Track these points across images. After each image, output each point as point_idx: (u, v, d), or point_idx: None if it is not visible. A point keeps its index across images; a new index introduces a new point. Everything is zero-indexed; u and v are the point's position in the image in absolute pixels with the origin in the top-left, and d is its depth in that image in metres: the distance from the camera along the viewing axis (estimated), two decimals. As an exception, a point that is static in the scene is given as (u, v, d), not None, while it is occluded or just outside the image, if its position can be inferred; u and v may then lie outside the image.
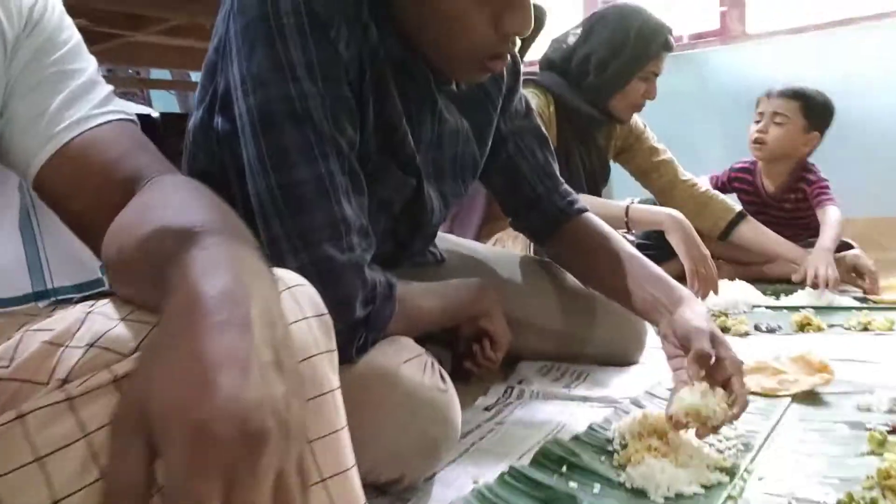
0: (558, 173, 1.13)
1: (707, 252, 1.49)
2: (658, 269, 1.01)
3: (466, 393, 1.11)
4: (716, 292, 1.49)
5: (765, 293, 1.69)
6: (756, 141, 1.93)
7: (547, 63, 1.78)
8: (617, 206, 1.62)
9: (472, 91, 0.97)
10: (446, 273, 1.14)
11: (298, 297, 0.56)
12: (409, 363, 0.78)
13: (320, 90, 0.72)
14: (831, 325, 1.39)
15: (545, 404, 1.05)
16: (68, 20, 0.68)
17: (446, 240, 1.24)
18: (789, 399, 0.99)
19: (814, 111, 1.87)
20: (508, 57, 1.04)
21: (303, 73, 0.72)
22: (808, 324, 1.37)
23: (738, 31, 2.52)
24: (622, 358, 1.20)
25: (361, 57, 0.77)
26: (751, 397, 1.00)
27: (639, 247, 1.93)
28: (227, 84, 0.78)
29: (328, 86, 0.73)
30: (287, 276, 0.58)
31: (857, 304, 1.56)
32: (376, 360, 0.77)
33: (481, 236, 1.89)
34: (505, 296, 1.11)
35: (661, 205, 1.90)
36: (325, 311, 0.57)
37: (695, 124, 2.18)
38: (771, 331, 1.39)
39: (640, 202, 1.91)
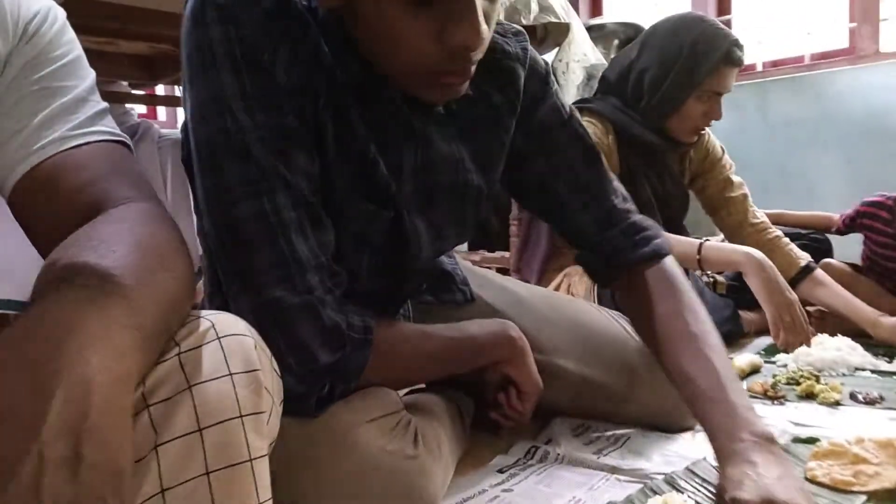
0: (616, 204, 0.95)
1: (794, 297, 1.29)
2: (724, 380, 0.76)
3: (487, 448, 1.01)
4: (807, 344, 1.28)
5: (876, 354, 1.44)
6: None
7: (604, 85, 1.67)
8: (689, 242, 1.46)
9: (475, 112, 0.86)
10: (476, 313, 1.05)
11: (228, 350, 0.50)
12: (374, 423, 0.70)
13: (257, 121, 0.67)
14: (954, 402, 1.15)
15: (568, 472, 0.92)
16: (69, 35, 0.66)
17: (479, 276, 1.14)
18: (864, 497, 0.81)
19: None
20: (526, 70, 0.91)
21: (237, 105, 0.67)
22: (920, 398, 1.14)
23: (870, 50, 2.23)
24: (668, 422, 1.04)
25: (312, 81, 0.70)
26: (816, 490, 0.84)
27: (728, 289, 1.74)
28: (186, 117, 0.75)
29: (267, 116, 0.67)
30: (225, 322, 0.53)
31: None
32: (336, 416, 0.69)
33: (548, 271, 1.78)
34: (536, 341, 1.01)
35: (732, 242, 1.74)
36: (259, 365, 0.51)
37: (814, 156, 1.96)
38: (870, 402, 1.16)
39: None
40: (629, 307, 0.96)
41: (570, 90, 1.97)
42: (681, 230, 1.79)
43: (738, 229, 1.71)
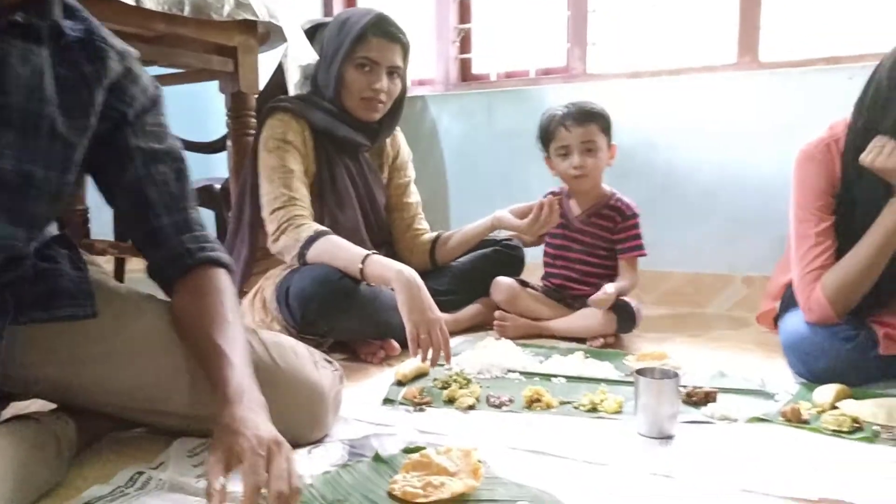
0: (194, 216, 1.06)
1: (437, 316, 1.37)
2: (228, 361, 0.91)
3: (89, 479, 0.96)
4: (447, 360, 1.37)
5: (535, 355, 1.59)
6: (577, 177, 1.81)
7: (309, 85, 1.82)
8: (356, 254, 1.51)
9: (66, 57, 0.91)
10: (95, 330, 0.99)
11: None
12: None
13: None
14: (564, 403, 1.28)
15: (159, 500, 0.89)
16: None
17: (110, 290, 1.06)
18: (424, 509, 0.87)
19: (608, 124, 1.82)
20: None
21: None
22: (538, 400, 1.26)
23: (579, 70, 2.45)
24: (294, 436, 1.05)
25: None
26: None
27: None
28: None
29: None
30: None
31: (619, 374, 1.45)
32: None
33: (252, 274, 1.75)
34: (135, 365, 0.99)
35: (395, 246, 1.94)
36: None
37: (532, 164, 2.08)
38: (498, 406, 1.27)
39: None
40: (183, 301, 1.02)
41: (290, 90, 1.95)
42: (383, 223, 1.86)
43: (405, 231, 1.93)
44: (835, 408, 1.22)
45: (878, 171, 1.29)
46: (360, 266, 1.47)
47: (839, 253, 1.41)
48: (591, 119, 1.78)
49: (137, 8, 1.42)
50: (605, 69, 2.43)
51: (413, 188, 1.97)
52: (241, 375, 0.89)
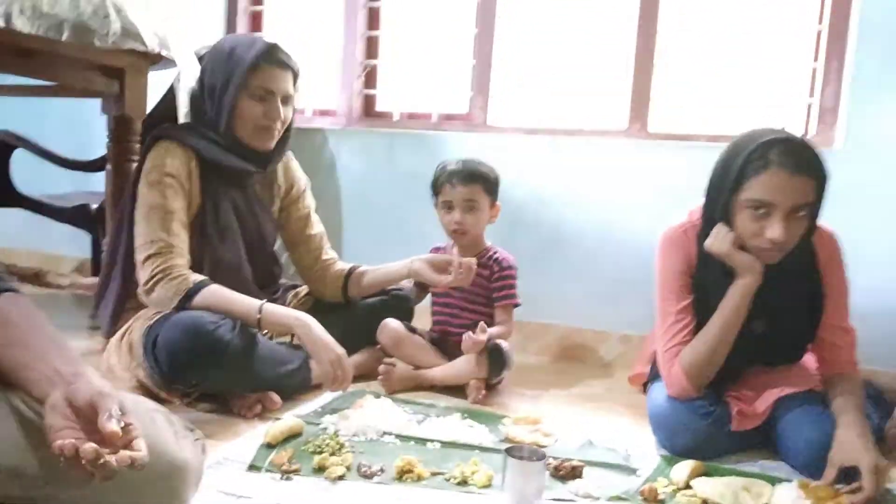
0: None
1: (341, 351, 1.47)
2: (61, 340, 0.92)
3: None
4: (344, 388, 1.52)
5: (415, 412, 1.58)
6: (456, 231, 1.89)
7: (191, 111, 1.76)
8: (251, 304, 1.51)
9: None
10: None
11: None
12: None
13: None
14: (436, 473, 1.28)
15: None
16: None
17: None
18: None
19: (492, 186, 1.91)
20: None
21: None
22: (409, 471, 1.25)
23: (479, 119, 2.49)
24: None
25: None
26: None
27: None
28: None
29: None
30: None
31: (494, 440, 1.47)
32: None
33: (125, 311, 1.67)
34: None
35: (305, 281, 1.94)
36: None
37: (430, 206, 2.08)
38: (369, 476, 1.25)
39: None
40: None
41: (180, 117, 1.86)
42: (269, 259, 1.82)
43: (313, 265, 1.90)
44: (689, 486, 1.28)
45: (716, 255, 1.44)
46: (258, 316, 1.49)
47: (698, 329, 1.50)
48: (476, 180, 1.87)
49: (7, 29, 1.32)
50: (504, 122, 2.48)
51: (315, 218, 1.93)
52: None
